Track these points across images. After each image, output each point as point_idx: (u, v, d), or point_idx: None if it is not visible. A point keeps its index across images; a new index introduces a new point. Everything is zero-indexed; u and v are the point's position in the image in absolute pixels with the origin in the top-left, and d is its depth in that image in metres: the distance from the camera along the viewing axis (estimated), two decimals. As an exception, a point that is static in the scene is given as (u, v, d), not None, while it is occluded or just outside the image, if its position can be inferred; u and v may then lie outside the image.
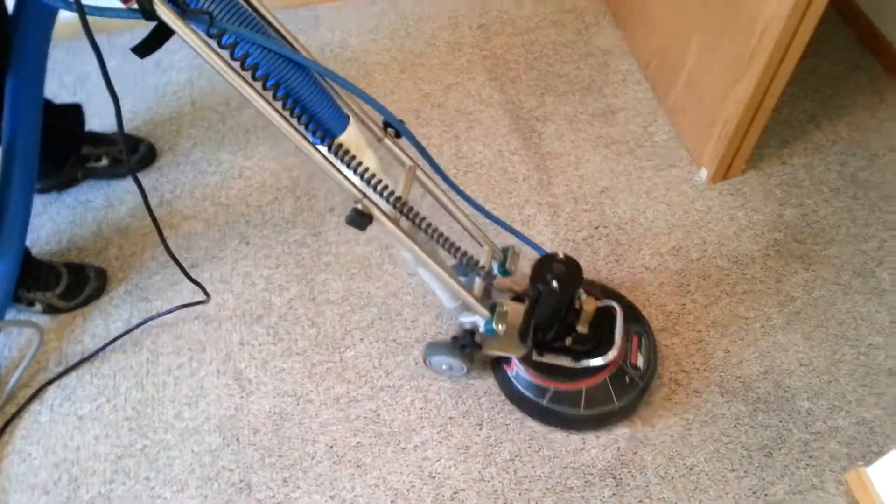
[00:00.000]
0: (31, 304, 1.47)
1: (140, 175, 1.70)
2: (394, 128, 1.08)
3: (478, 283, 1.27)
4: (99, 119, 1.73)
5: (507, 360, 1.37)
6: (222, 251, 1.61)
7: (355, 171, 1.02)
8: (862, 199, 1.70)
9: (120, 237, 1.62)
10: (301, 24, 2.05)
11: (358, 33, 2.04)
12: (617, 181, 1.73)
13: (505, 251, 1.34)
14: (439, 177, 1.19)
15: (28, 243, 1.55)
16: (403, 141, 1.11)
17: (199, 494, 1.31)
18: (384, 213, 1.05)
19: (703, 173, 1.73)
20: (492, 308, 1.25)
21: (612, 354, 1.30)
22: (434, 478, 1.33)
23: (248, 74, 0.90)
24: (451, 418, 1.39)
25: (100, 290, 1.53)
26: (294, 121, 0.95)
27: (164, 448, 1.36)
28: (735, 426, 1.38)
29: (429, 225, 1.13)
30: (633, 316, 1.42)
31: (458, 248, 1.18)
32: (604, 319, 1.34)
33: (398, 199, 1.07)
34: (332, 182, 1.01)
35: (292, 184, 1.72)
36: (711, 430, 1.37)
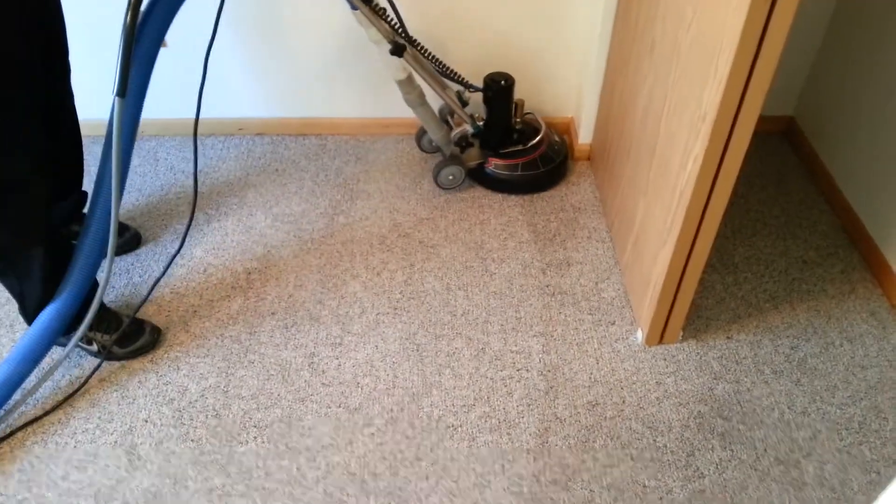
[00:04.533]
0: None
1: (119, 259, 1.90)
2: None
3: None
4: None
5: (485, 163, 2.10)
6: (162, 336, 1.73)
7: (383, 18, 1.69)
8: (805, 385, 1.61)
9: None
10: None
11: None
12: (552, 329, 1.74)
13: (460, 91, 2.05)
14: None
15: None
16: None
17: (52, 556, 1.36)
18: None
19: (640, 334, 1.70)
20: (471, 117, 2.06)
21: (542, 133, 2.12)
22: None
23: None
24: (311, 531, 1.38)
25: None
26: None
27: (41, 505, 1.43)
28: None
29: (430, 53, 1.87)
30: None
31: (447, 68, 1.93)
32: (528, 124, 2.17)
33: (409, 36, 1.78)
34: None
35: (247, 285, 1.85)
36: None
